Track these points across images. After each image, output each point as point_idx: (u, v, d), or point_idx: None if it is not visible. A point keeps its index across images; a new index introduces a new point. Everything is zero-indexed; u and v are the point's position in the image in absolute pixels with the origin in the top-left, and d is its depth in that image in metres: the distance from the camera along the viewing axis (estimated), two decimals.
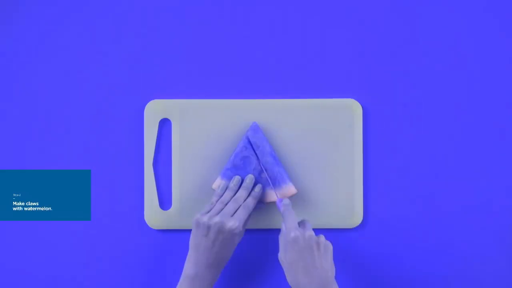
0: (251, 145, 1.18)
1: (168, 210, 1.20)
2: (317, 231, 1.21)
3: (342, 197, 1.20)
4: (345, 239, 1.21)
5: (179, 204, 1.20)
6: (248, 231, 1.21)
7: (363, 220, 1.21)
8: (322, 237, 1.09)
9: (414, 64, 1.22)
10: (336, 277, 1.21)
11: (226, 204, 1.13)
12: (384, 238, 1.21)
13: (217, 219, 1.09)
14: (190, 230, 1.21)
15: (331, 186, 1.20)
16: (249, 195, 1.15)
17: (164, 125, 1.21)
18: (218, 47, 1.21)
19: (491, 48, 1.22)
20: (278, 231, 1.21)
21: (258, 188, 1.16)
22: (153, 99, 1.21)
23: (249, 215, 1.15)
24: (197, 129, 1.20)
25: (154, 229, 1.21)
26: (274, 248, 1.21)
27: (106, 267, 1.21)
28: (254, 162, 1.18)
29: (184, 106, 1.20)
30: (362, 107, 1.21)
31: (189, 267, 1.10)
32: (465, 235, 1.21)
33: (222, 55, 1.21)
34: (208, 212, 1.12)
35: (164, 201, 1.21)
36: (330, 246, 1.09)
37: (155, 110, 1.20)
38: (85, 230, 1.21)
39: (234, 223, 1.09)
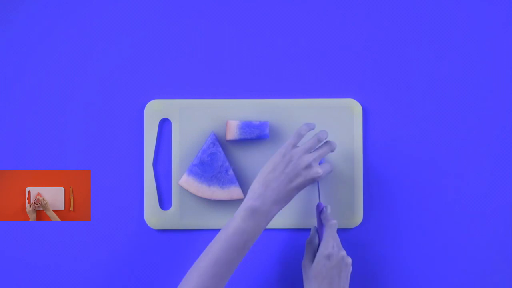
0: (219, 142, 1.19)
1: (168, 210, 1.20)
2: None
3: (342, 197, 1.20)
4: (345, 239, 1.21)
5: (179, 204, 1.20)
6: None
7: (363, 220, 1.21)
8: (349, 259, 1.12)
9: (414, 64, 1.22)
10: None
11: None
12: (384, 238, 1.21)
13: (307, 158, 1.08)
14: (190, 230, 1.21)
15: (331, 186, 1.20)
16: None
17: (164, 125, 1.21)
18: (218, 47, 1.22)
19: (491, 48, 1.22)
20: (278, 231, 1.21)
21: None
22: (153, 99, 1.21)
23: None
24: (197, 129, 1.20)
25: (154, 229, 1.21)
26: (278, 248, 1.21)
27: (106, 267, 1.21)
28: (221, 159, 1.18)
29: (184, 106, 1.20)
30: (362, 107, 1.21)
31: (253, 198, 1.07)
32: (465, 234, 1.22)
33: (222, 55, 1.22)
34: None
35: (164, 201, 1.21)
36: (351, 268, 1.12)
37: (155, 110, 1.20)
38: (85, 230, 1.21)
39: (319, 170, 1.08)
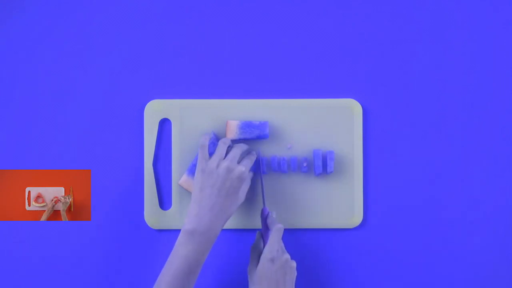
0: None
1: (168, 210, 1.20)
2: (317, 231, 1.21)
3: (342, 197, 1.20)
4: (345, 239, 1.21)
5: (179, 204, 1.20)
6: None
7: (363, 220, 1.21)
8: (294, 263, 1.11)
9: (414, 64, 1.22)
10: (336, 277, 1.21)
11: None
12: (384, 238, 1.21)
13: (225, 163, 1.09)
14: None
15: (331, 186, 1.20)
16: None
17: (164, 125, 1.21)
18: (218, 47, 1.22)
19: (492, 48, 1.22)
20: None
21: (255, 151, 1.18)
22: (153, 99, 1.21)
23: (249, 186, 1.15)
24: (197, 129, 1.20)
25: (154, 229, 1.21)
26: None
27: (106, 267, 1.21)
28: None
29: (184, 106, 1.20)
30: (362, 107, 1.21)
31: (188, 222, 1.08)
32: (465, 234, 1.22)
33: (222, 55, 1.21)
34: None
35: (164, 201, 1.21)
36: (295, 272, 1.12)
37: (155, 110, 1.20)
38: (85, 230, 1.21)
39: (241, 167, 1.09)
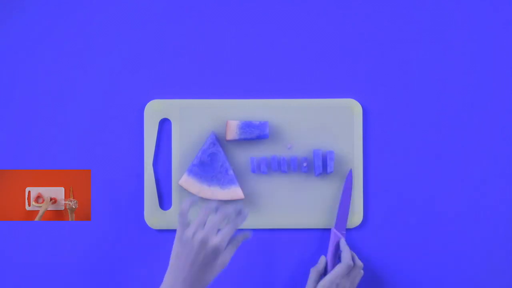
0: (219, 142, 1.19)
1: (168, 210, 1.20)
2: (317, 230, 1.21)
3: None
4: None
5: (179, 204, 1.20)
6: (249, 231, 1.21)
7: (363, 220, 1.21)
8: (362, 272, 1.15)
9: (414, 64, 1.22)
10: None
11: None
12: (384, 238, 1.21)
13: (200, 235, 1.03)
14: None
15: (331, 186, 1.20)
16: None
17: (164, 125, 1.21)
18: (218, 47, 1.22)
19: (492, 48, 1.22)
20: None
21: (246, 210, 1.09)
22: (153, 99, 1.21)
23: (236, 248, 1.07)
24: (197, 129, 1.20)
25: (154, 229, 1.21)
26: (273, 249, 1.21)
27: (106, 267, 1.21)
28: (221, 159, 1.18)
29: (184, 106, 1.20)
30: (362, 107, 1.21)
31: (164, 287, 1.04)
32: (465, 235, 1.22)
33: (222, 55, 1.22)
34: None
35: (164, 201, 1.21)
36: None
37: (155, 110, 1.20)
38: (85, 230, 1.21)
39: (216, 241, 1.03)
